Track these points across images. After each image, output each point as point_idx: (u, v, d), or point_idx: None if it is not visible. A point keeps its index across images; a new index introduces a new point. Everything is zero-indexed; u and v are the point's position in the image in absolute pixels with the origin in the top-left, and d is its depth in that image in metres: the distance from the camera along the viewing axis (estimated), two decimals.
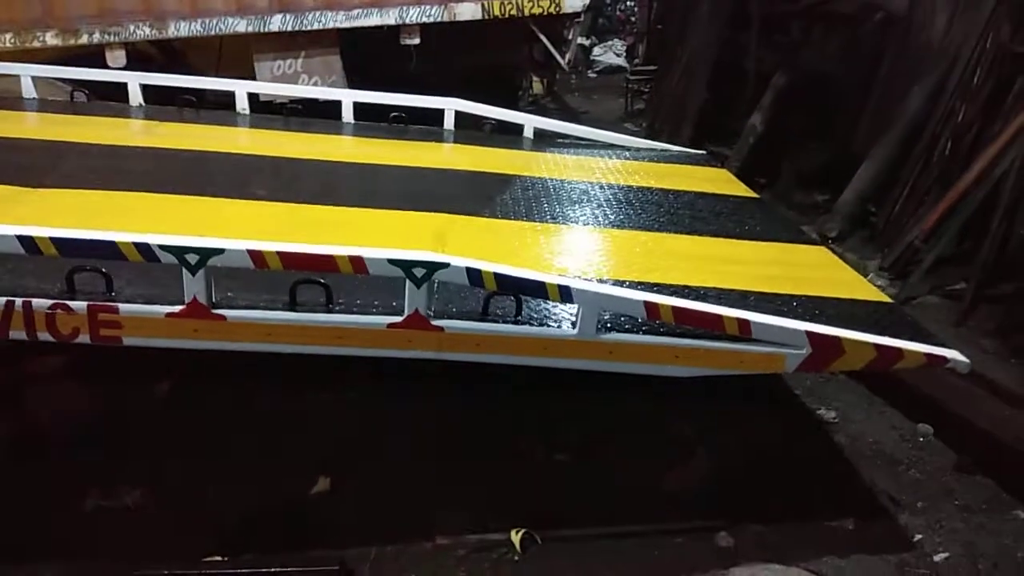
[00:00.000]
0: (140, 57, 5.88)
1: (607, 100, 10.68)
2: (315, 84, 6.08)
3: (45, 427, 3.26)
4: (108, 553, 2.67)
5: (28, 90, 4.52)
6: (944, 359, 2.56)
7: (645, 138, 6.87)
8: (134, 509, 2.85)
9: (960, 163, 5.07)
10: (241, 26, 5.86)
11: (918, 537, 2.88)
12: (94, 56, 5.62)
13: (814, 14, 7.04)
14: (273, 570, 2.57)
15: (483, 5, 6.22)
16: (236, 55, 6.09)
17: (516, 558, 2.72)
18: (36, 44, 5.59)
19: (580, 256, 3.06)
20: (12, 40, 5.51)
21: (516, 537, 2.77)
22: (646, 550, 2.78)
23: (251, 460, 3.11)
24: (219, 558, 2.64)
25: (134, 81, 4.55)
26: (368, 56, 6.29)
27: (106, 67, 5.50)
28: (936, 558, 2.80)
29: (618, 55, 12.89)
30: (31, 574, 2.54)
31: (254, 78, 5.94)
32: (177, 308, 2.38)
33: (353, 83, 6.14)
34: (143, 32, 5.75)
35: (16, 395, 3.37)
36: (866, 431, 3.55)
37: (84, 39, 5.68)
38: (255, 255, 2.30)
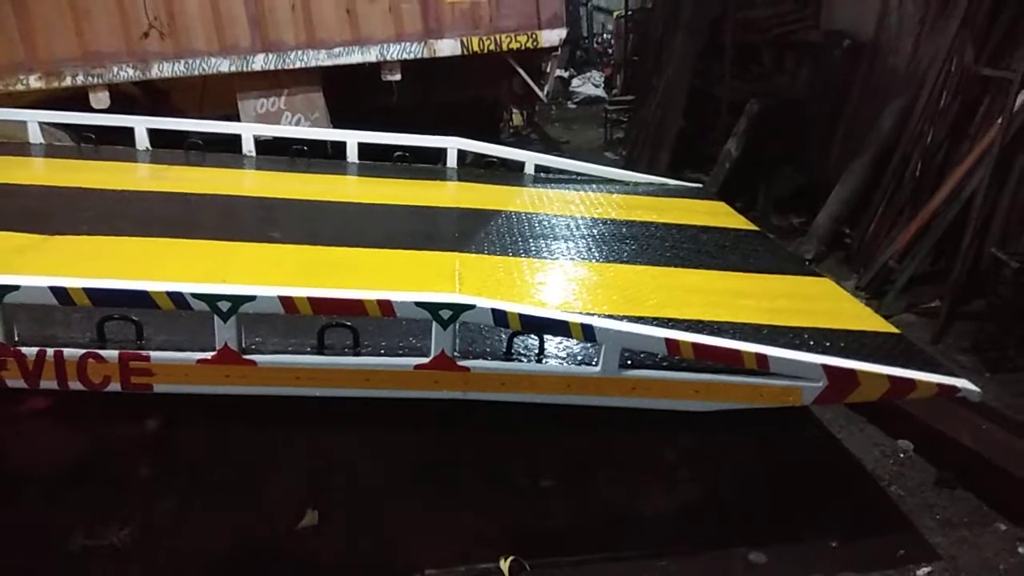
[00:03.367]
0: (124, 98, 5.93)
1: (587, 130, 10.85)
2: (298, 121, 6.16)
3: (30, 466, 3.24)
4: None
5: (35, 135, 4.54)
6: (955, 388, 2.62)
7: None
8: (120, 548, 2.83)
9: (930, 183, 5.20)
10: (224, 66, 5.95)
11: (901, 552, 2.91)
12: (77, 99, 5.67)
13: (784, 43, 7.23)
14: None
15: (462, 41, 6.34)
16: (219, 94, 6.16)
17: None
18: (20, 87, 5.64)
19: (595, 293, 3.11)
20: None
21: (504, 565, 2.78)
22: (633, 574, 2.79)
23: (238, 495, 3.11)
24: None
25: (141, 126, 4.59)
26: (350, 92, 6.38)
27: (90, 109, 5.55)
28: (919, 572, 2.82)
29: (596, 86, 13.12)
30: None
31: (238, 117, 6.01)
32: (208, 354, 2.41)
33: (336, 119, 6.22)
34: (126, 73, 5.82)
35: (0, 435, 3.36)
36: (847, 448, 3.59)
37: (68, 81, 5.74)
38: (286, 301, 2.34)
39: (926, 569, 2.84)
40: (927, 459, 3.49)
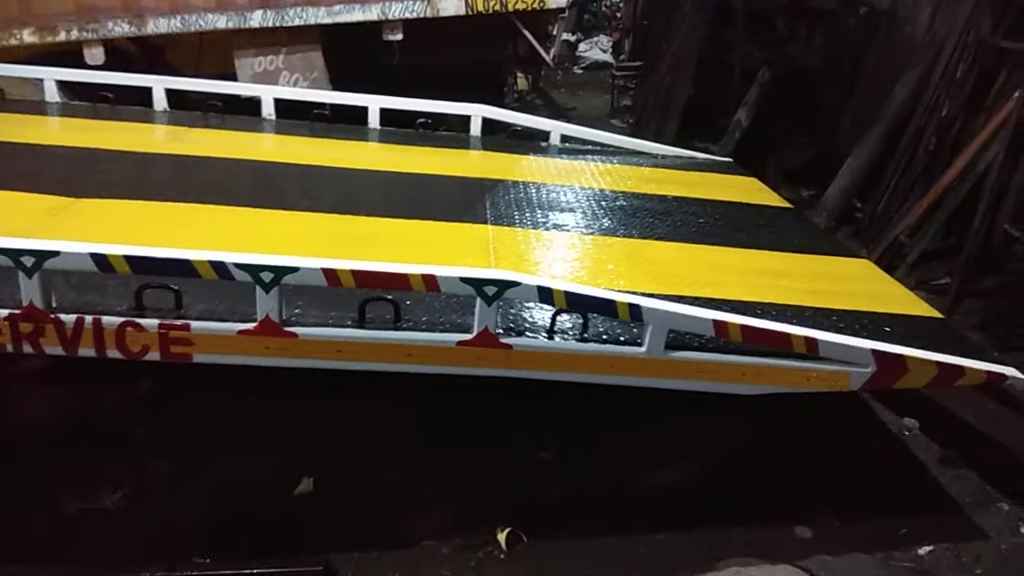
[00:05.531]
0: (119, 54, 5.80)
1: (593, 96, 10.66)
2: (296, 81, 6.04)
3: (24, 429, 3.21)
4: (88, 555, 2.63)
5: (51, 94, 4.47)
6: (1004, 376, 2.59)
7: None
8: (114, 511, 2.81)
9: (944, 157, 5.11)
10: (221, 22, 5.80)
11: (903, 531, 2.88)
12: (72, 54, 5.55)
13: (798, 10, 7.06)
14: (256, 571, 2.54)
15: (466, 1, 6.18)
16: (216, 52, 6.03)
17: (501, 556, 2.71)
18: (13, 42, 5.51)
19: (633, 270, 3.05)
20: None
21: (501, 535, 2.76)
22: (631, 548, 2.77)
23: (233, 461, 3.08)
24: (201, 560, 2.60)
25: (159, 86, 4.51)
26: (351, 52, 6.24)
27: (84, 65, 5.43)
28: (920, 551, 2.80)
29: (604, 51, 12.86)
30: None
31: (235, 75, 5.88)
32: (249, 325, 2.38)
33: (335, 80, 6.10)
34: (122, 29, 5.68)
35: None
36: (852, 425, 3.55)
37: (62, 36, 5.61)
38: (329, 273, 2.31)
39: (928, 548, 2.82)
40: (931, 438, 3.46)
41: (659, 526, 2.85)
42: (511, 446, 3.23)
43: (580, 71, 12.42)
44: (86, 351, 2.39)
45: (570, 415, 3.37)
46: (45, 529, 2.72)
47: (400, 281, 2.35)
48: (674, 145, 5.44)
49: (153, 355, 2.41)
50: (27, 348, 2.38)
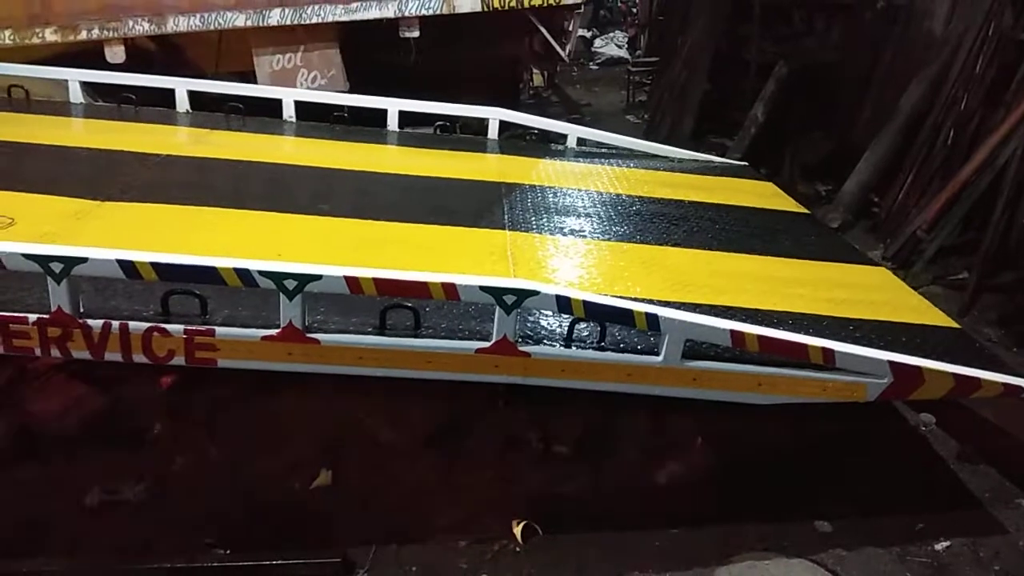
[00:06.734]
0: (139, 53, 5.86)
1: (609, 92, 10.63)
2: (314, 79, 6.07)
3: (47, 421, 3.26)
4: (110, 546, 2.67)
5: (76, 95, 4.52)
6: (1020, 389, 2.59)
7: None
8: (136, 503, 2.86)
9: (962, 152, 5.06)
10: (240, 20, 5.84)
11: (920, 526, 2.87)
12: (92, 53, 5.62)
13: (815, 3, 7.01)
14: (275, 562, 2.58)
15: None
16: (235, 50, 6.07)
17: (517, 549, 2.73)
18: (35, 40, 5.57)
19: (650, 277, 3.06)
20: (11, 37, 5.50)
21: (517, 528, 2.77)
22: (646, 541, 2.78)
23: (252, 454, 3.11)
24: (220, 551, 2.64)
25: (182, 88, 4.55)
26: (367, 49, 6.27)
27: (104, 64, 5.49)
28: (937, 546, 2.79)
29: (620, 47, 12.83)
30: (33, 568, 2.55)
31: (254, 73, 5.93)
32: (273, 331, 2.42)
33: (352, 78, 6.13)
34: (142, 27, 5.73)
35: (18, 389, 3.37)
36: (868, 420, 3.53)
37: (83, 35, 5.67)
38: (351, 281, 2.35)
39: (945, 543, 2.81)
40: (949, 433, 3.44)
41: (674, 520, 2.85)
42: (527, 440, 3.24)
43: (596, 67, 12.39)
44: (112, 356, 2.43)
45: (586, 409, 3.38)
46: (68, 521, 2.77)
47: (421, 289, 2.39)
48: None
49: (178, 360, 2.45)
50: (55, 352, 2.43)
